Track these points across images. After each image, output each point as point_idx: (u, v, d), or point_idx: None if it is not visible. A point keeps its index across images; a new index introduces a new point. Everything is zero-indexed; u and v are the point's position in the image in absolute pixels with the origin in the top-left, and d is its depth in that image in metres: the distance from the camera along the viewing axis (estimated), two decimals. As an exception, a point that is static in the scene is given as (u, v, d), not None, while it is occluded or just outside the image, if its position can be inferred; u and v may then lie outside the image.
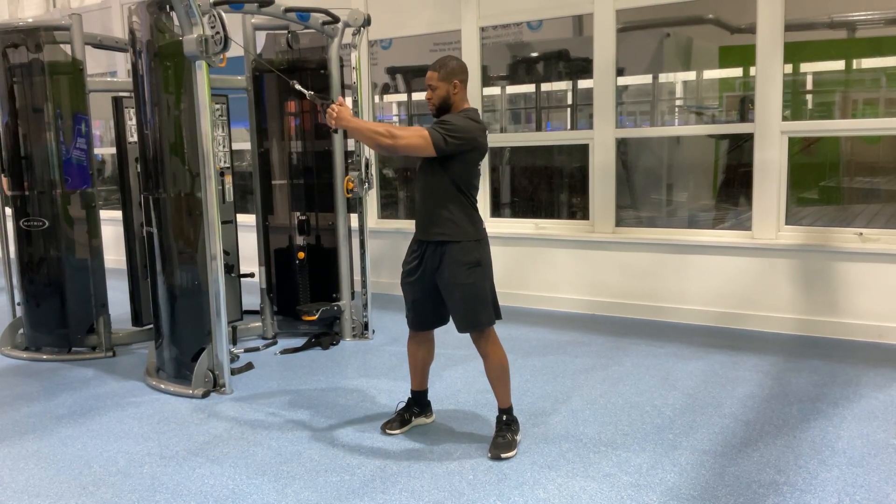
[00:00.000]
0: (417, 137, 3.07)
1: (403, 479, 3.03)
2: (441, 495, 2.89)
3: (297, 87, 3.56)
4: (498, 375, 3.30)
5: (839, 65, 7.33)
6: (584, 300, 5.75)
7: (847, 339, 4.79)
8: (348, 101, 5.14)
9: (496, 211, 6.65)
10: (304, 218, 5.21)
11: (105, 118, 7.79)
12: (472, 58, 6.01)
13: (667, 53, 7.56)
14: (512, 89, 8.17)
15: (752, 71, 5.07)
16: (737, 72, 7.69)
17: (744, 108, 6.69)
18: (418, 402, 3.58)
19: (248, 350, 4.94)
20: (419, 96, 8.10)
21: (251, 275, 5.29)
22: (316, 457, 3.27)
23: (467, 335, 3.28)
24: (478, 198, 3.30)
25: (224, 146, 4.94)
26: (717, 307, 5.23)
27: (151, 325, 4.57)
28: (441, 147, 3.06)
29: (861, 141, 6.90)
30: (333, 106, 3.21)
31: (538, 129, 8.13)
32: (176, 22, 3.96)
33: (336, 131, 3.22)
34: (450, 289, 3.19)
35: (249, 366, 4.57)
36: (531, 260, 5.94)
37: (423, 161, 3.21)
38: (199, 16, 3.76)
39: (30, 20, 5.76)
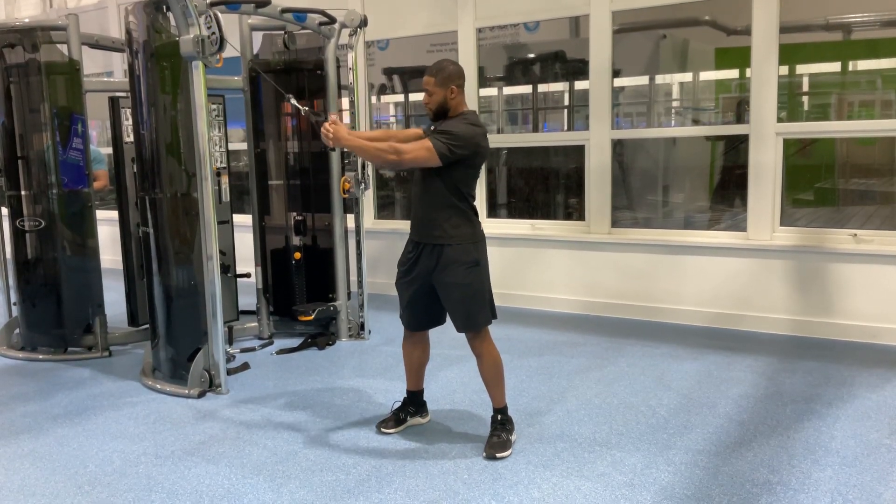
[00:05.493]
0: (422, 150, 3.05)
1: (399, 478, 3.04)
2: (436, 494, 2.90)
3: (294, 101, 3.59)
4: (492, 375, 3.30)
5: (835, 66, 7.36)
6: (579, 301, 5.76)
7: (841, 340, 4.80)
8: (344, 101, 5.20)
9: (493, 211, 6.67)
10: (300, 218, 5.22)
11: (101, 118, 7.78)
12: (468, 59, 6.02)
13: (663, 55, 7.58)
14: (509, 90, 8.19)
15: (749, 72, 5.09)
16: (733, 73, 7.71)
17: (740, 109, 6.71)
18: (414, 402, 3.59)
19: (244, 350, 4.94)
20: (416, 97, 8.11)
21: (247, 275, 5.30)
22: (311, 456, 3.27)
23: (462, 335, 3.29)
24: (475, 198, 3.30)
25: (220, 146, 4.94)
26: (713, 308, 5.25)
27: (148, 326, 4.58)
28: (446, 157, 3.05)
29: (856, 143, 6.93)
30: (326, 125, 3.15)
31: (535, 130, 8.15)
32: (173, 22, 3.96)
33: (333, 150, 3.14)
34: (448, 289, 3.19)
35: (245, 366, 4.57)
36: (527, 260, 5.95)
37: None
38: (195, 16, 3.76)
39: (26, 20, 5.75)
